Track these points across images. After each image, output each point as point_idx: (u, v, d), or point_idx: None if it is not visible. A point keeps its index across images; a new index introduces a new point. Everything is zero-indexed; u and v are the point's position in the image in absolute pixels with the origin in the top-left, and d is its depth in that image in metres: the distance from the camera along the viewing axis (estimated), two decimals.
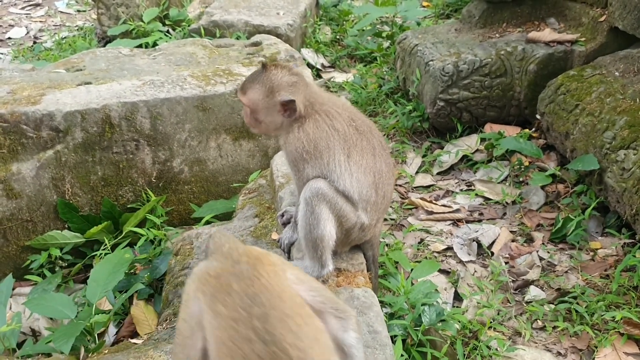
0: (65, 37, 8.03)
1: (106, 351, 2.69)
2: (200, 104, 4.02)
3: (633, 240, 4.11)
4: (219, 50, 4.64)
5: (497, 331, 3.65)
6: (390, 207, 4.80)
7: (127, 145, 3.99)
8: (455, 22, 6.10)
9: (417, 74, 5.48)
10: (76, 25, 8.72)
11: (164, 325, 2.87)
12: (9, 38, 8.40)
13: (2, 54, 7.80)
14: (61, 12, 9.41)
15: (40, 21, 9.02)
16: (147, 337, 2.83)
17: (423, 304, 3.42)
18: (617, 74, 4.68)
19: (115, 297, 3.65)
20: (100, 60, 4.48)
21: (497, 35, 5.55)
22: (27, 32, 8.57)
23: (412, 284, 3.76)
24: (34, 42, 8.06)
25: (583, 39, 5.20)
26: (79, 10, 9.44)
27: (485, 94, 5.23)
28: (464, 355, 3.41)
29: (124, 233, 3.96)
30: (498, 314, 3.76)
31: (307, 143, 2.67)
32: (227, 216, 3.97)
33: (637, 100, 4.29)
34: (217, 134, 4.14)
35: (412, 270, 3.75)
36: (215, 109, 4.08)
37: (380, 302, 3.55)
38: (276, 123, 2.73)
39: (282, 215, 3.04)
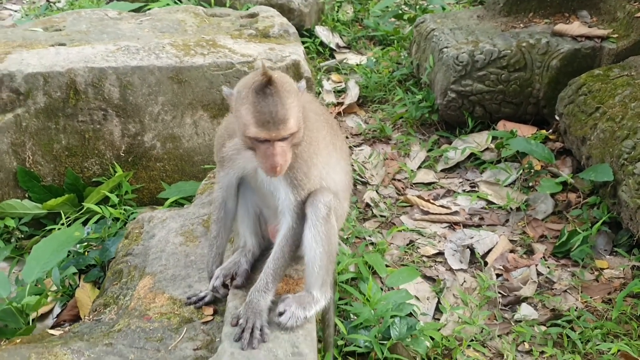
0: None
1: (18, 340, 2.42)
2: (175, 75, 3.70)
3: None
4: (211, 19, 4.30)
5: (477, 351, 3.29)
6: (384, 203, 4.45)
7: (93, 114, 3.69)
8: (480, 8, 5.64)
9: (431, 61, 5.07)
10: None
11: (91, 317, 2.59)
12: None
13: (15, 10, 7.60)
14: None
15: None
16: (68, 329, 2.56)
17: (393, 316, 3.08)
18: None
19: (66, 275, 3.40)
20: (83, 21, 4.19)
21: (521, 25, 5.09)
22: None
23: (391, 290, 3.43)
24: (47, 1, 7.81)
25: (615, 35, 4.72)
26: None
27: (501, 88, 4.80)
28: None
29: (84, 209, 3.68)
30: (481, 332, 3.39)
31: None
32: None
33: None
34: (193, 109, 3.81)
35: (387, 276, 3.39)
36: (192, 82, 3.75)
37: (346, 311, 3.22)
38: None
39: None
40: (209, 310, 2.41)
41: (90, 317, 2.60)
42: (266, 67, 2.13)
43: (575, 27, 4.81)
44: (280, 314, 2.25)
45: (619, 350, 3.17)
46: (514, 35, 4.88)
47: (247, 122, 2.14)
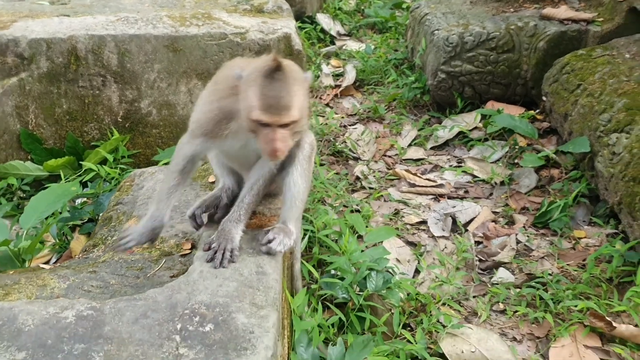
0: None
1: (12, 272, 2.61)
2: (170, 44, 3.90)
3: (617, 231, 3.81)
4: None
5: (453, 309, 3.43)
6: (373, 176, 4.61)
7: (93, 80, 3.90)
8: None
9: (423, 43, 5.24)
10: None
11: (80, 255, 2.78)
12: None
13: None
14: None
15: None
16: (59, 265, 2.75)
17: (370, 269, 3.23)
18: (627, 56, 4.34)
19: (63, 231, 3.59)
20: None
21: (511, 10, 5.24)
22: None
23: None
24: None
25: (600, 19, 4.86)
26: None
27: (489, 69, 4.95)
28: (408, 327, 3.22)
29: (83, 169, 3.89)
30: (458, 291, 3.54)
31: None
32: None
33: None
34: (188, 77, 4.01)
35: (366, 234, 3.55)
36: (186, 50, 3.95)
37: (321, 261, 3.39)
38: None
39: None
40: (187, 245, 2.59)
41: (80, 255, 2.79)
42: (276, 54, 2.18)
43: (562, 11, 4.95)
44: (270, 241, 2.40)
45: (588, 309, 3.30)
46: (503, 19, 5.03)
47: (252, 105, 2.15)
